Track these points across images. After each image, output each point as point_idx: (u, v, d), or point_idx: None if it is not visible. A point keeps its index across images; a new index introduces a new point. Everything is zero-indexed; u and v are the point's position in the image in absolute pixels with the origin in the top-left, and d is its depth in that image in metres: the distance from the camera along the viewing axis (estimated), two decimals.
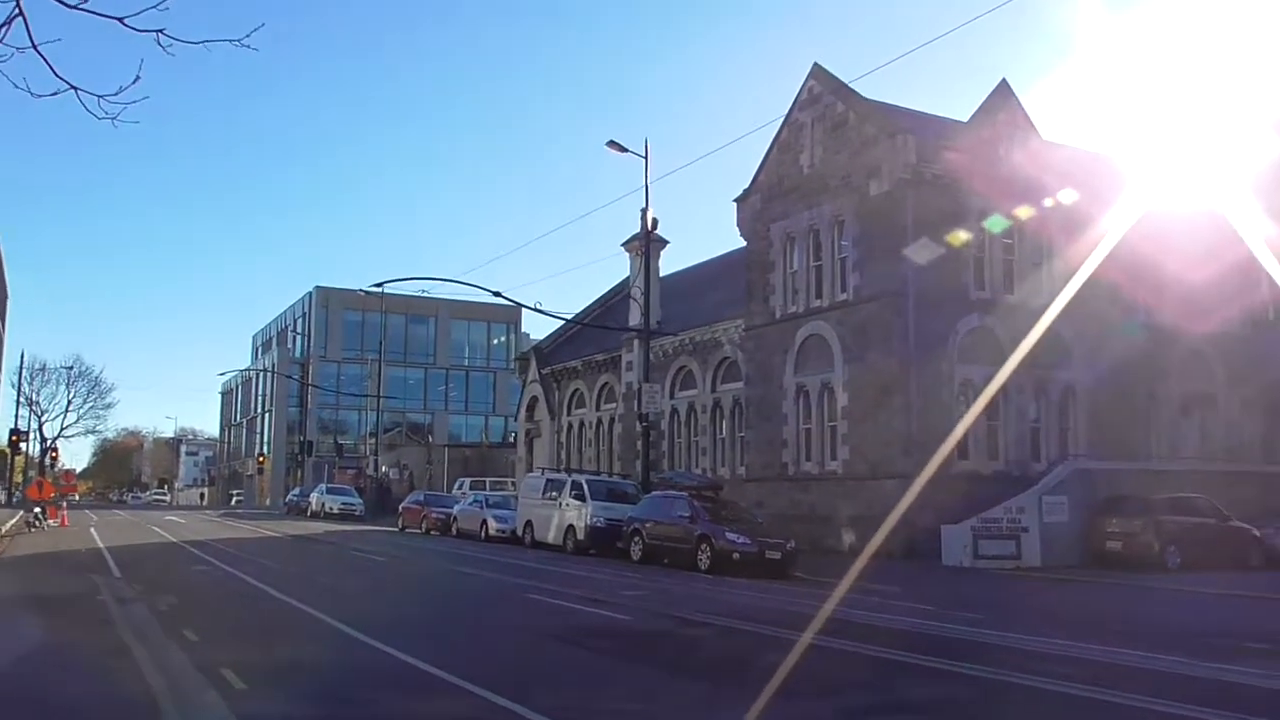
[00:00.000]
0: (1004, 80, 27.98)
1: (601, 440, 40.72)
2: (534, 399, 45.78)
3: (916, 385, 25.29)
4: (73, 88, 5.87)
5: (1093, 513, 23.23)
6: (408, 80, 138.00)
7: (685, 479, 26.19)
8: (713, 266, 40.14)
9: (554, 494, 27.71)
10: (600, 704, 8.22)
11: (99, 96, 5.94)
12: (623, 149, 28.87)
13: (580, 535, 25.90)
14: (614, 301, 44.03)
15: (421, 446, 66.43)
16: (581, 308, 45.09)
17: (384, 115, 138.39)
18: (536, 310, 30.86)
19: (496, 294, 29.58)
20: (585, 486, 26.86)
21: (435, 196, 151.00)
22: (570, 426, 43.05)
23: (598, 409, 41.07)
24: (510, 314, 76.42)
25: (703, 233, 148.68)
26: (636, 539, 23.43)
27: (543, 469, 34.56)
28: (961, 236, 25.76)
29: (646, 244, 31.46)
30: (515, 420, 53.66)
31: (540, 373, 45.03)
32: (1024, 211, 26.30)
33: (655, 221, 31.37)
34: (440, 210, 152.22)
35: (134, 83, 5.92)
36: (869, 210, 26.60)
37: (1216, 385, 30.60)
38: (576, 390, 42.78)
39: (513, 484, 43.27)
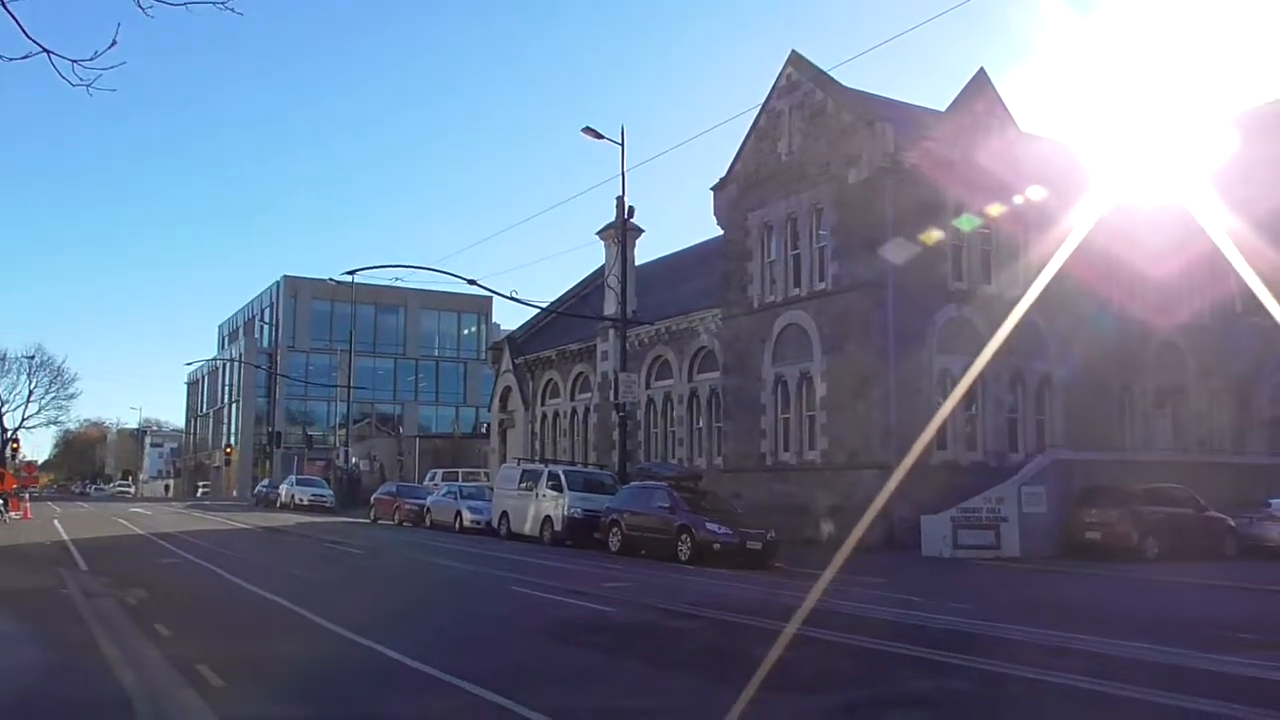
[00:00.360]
0: (981, 70, 27.82)
1: (576, 430, 40.41)
2: (507, 389, 45.38)
3: (895, 375, 25.19)
4: (45, 51, 5.54)
5: (1071, 503, 23.26)
6: (382, 71, 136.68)
7: (664, 469, 26.06)
8: (689, 256, 39.88)
9: (530, 485, 27.39)
10: (592, 700, 8.00)
11: (73, 61, 5.60)
12: (599, 135, 28.59)
13: (557, 526, 25.64)
14: (589, 291, 43.70)
15: (391, 438, 65.79)
16: (555, 297, 44.75)
17: (358, 105, 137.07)
18: (512, 299, 30.28)
19: (471, 282, 29.00)
20: (562, 477, 26.59)
21: (407, 186, 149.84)
22: (545, 417, 42.71)
23: (572, 399, 40.75)
24: (481, 304, 75.81)
25: (679, 222, 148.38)
26: (615, 530, 23.22)
27: (518, 459, 34.23)
28: (936, 234, 25.65)
29: (623, 232, 31.19)
30: (487, 411, 53.21)
31: (514, 362, 44.63)
32: (1001, 202, 26.26)
33: (631, 210, 31.11)
34: (412, 199, 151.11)
35: (110, 47, 5.58)
36: (847, 199, 26.45)
37: (1188, 377, 30.85)
38: (551, 380, 42.43)
39: (486, 475, 42.86)
